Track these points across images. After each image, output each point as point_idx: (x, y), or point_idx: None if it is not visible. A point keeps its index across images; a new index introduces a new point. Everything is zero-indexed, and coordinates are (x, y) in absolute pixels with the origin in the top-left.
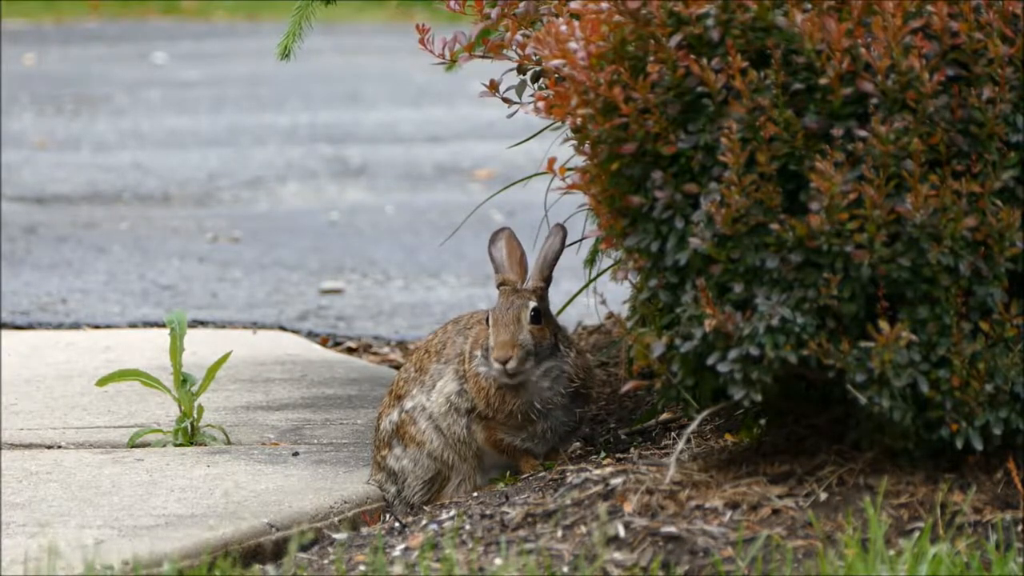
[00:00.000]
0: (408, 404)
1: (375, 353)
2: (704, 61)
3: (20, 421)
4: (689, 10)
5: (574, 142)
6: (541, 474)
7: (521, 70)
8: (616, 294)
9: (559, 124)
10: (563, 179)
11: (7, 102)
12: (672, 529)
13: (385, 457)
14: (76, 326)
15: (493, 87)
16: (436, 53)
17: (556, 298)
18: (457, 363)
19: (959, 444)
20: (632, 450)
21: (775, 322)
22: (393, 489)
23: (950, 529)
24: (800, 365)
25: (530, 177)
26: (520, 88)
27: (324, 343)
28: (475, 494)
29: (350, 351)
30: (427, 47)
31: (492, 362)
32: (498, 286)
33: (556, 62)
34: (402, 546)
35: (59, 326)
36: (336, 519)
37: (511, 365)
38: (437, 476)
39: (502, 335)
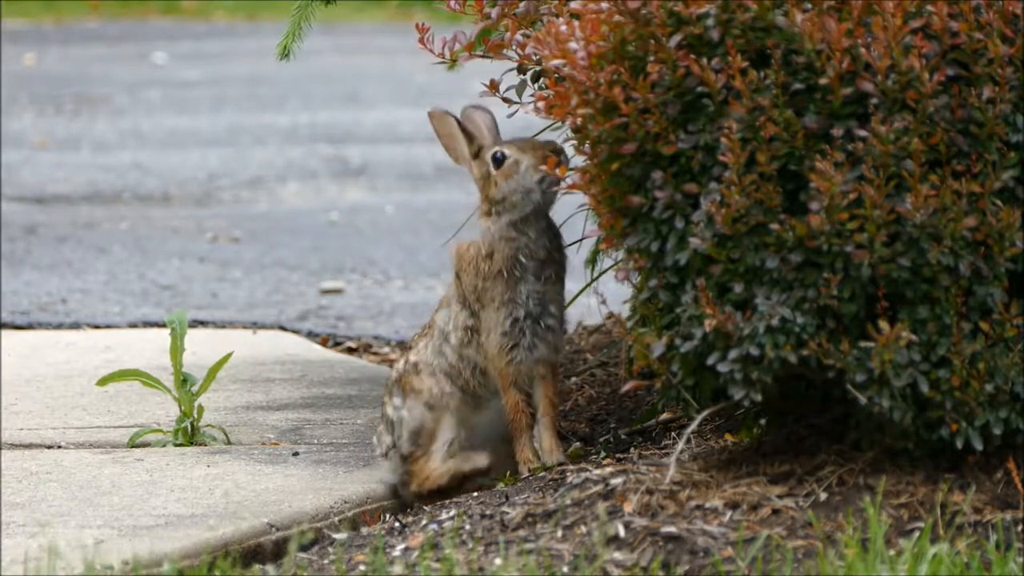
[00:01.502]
0: (412, 357)
1: (375, 353)
2: (704, 61)
3: (20, 421)
4: (689, 10)
5: (574, 142)
6: (541, 474)
7: (521, 70)
8: (616, 294)
9: (559, 124)
10: (563, 179)
11: (7, 102)
12: (672, 529)
13: (384, 405)
14: (76, 326)
15: (493, 87)
16: (436, 53)
17: None
18: (457, 297)
19: (959, 444)
20: (632, 450)
21: (775, 322)
22: (388, 440)
23: (950, 529)
24: (800, 365)
25: None
26: (520, 88)
27: (324, 343)
28: (475, 494)
29: (350, 351)
30: (427, 46)
31: (532, 173)
32: (476, 154)
33: (556, 62)
34: (402, 546)
35: (59, 326)
36: (336, 519)
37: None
38: (423, 429)
39: (533, 143)
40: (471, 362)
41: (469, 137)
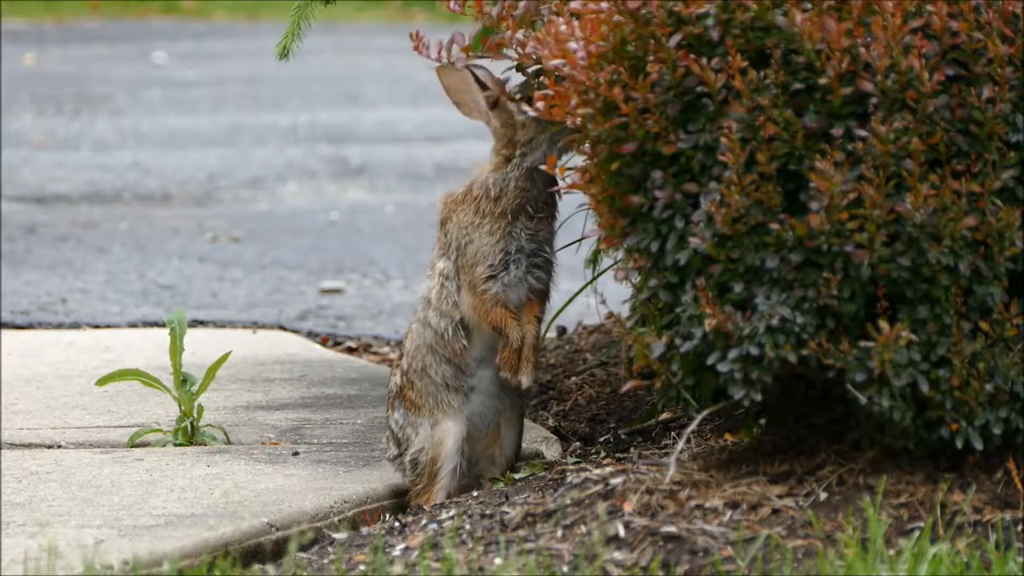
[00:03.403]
0: (404, 364)
1: (375, 353)
2: (704, 61)
3: (20, 421)
4: (689, 10)
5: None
6: (541, 474)
7: (521, 69)
8: (616, 294)
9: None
10: (563, 179)
11: (7, 102)
12: (672, 529)
13: (388, 416)
14: (76, 326)
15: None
16: (433, 56)
17: (556, 298)
18: (440, 247)
19: (959, 444)
20: (632, 450)
21: (775, 322)
22: (395, 450)
23: (950, 529)
24: (800, 365)
25: None
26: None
27: (324, 343)
28: (475, 493)
29: (350, 351)
30: (423, 53)
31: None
32: (494, 104)
33: (556, 62)
34: (402, 546)
35: (59, 326)
36: (336, 519)
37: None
38: (422, 455)
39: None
40: (451, 319)
41: (483, 87)
